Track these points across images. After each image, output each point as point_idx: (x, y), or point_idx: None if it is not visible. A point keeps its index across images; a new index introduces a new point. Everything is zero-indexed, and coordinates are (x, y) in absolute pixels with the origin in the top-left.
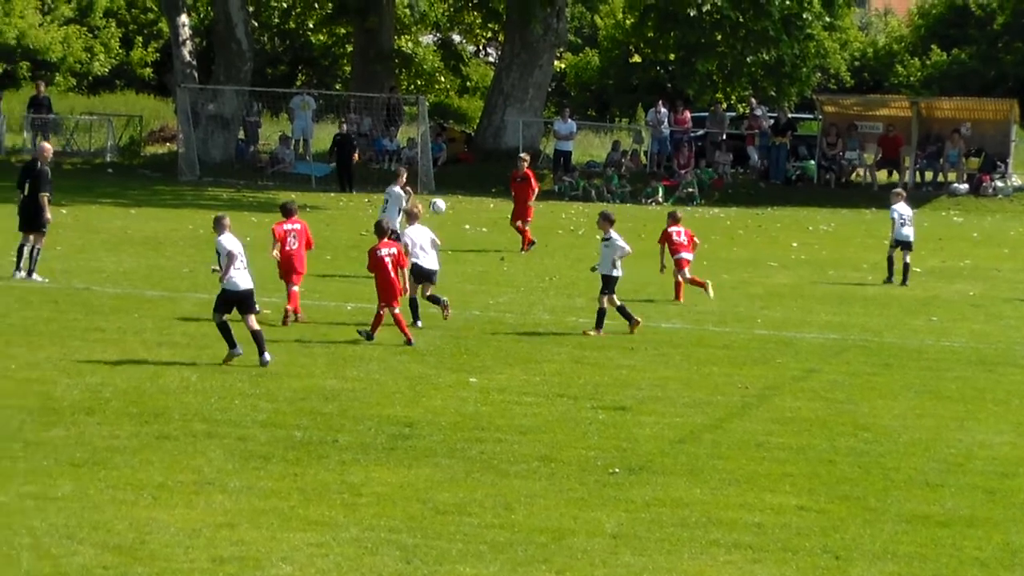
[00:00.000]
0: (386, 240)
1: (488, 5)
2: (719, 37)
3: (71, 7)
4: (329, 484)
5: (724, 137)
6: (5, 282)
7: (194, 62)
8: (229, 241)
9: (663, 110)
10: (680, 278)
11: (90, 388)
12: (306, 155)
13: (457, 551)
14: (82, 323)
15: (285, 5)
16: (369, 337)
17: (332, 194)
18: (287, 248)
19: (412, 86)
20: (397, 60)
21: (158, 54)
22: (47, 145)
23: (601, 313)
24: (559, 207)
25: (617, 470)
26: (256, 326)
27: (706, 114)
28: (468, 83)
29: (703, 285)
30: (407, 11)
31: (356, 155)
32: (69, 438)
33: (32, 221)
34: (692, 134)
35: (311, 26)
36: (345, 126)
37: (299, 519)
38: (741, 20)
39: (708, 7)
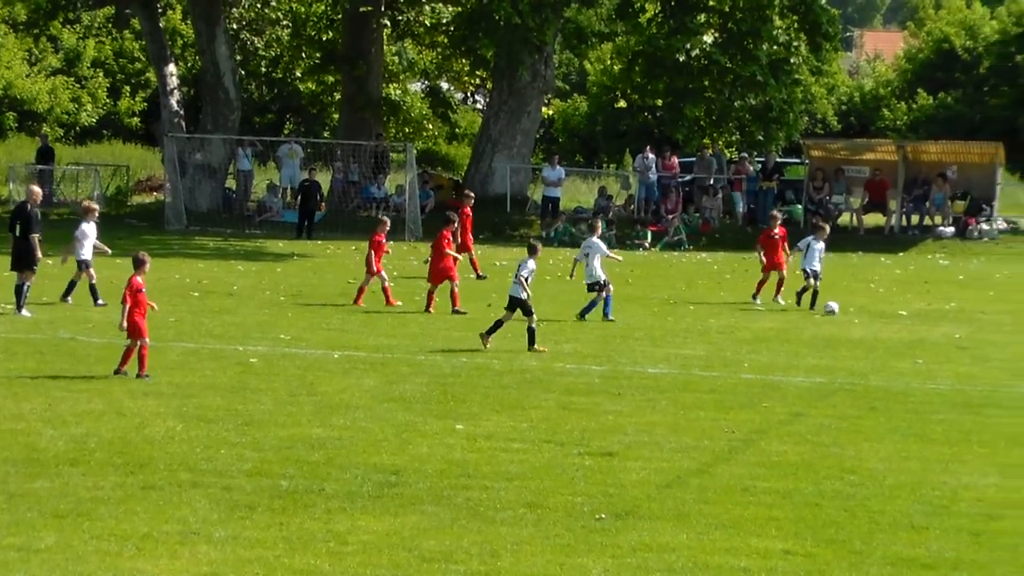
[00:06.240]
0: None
1: (476, 52)
2: (707, 82)
3: (58, 58)
4: (315, 533)
5: (712, 182)
6: None
7: (182, 111)
8: None
9: (651, 156)
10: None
11: (75, 439)
12: (294, 203)
13: None
14: (67, 373)
15: (273, 54)
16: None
17: (320, 242)
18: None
19: (400, 133)
20: (385, 107)
21: (146, 104)
22: (36, 188)
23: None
24: (547, 253)
25: (604, 516)
26: None
27: (694, 159)
28: (456, 130)
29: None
30: (395, 59)
31: (322, 204)
32: (53, 489)
33: (23, 261)
34: (680, 179)
35: (299, 74)
36: (313, 173)
37: (284, 569)
38: (729, 65)
39: (696, 52)
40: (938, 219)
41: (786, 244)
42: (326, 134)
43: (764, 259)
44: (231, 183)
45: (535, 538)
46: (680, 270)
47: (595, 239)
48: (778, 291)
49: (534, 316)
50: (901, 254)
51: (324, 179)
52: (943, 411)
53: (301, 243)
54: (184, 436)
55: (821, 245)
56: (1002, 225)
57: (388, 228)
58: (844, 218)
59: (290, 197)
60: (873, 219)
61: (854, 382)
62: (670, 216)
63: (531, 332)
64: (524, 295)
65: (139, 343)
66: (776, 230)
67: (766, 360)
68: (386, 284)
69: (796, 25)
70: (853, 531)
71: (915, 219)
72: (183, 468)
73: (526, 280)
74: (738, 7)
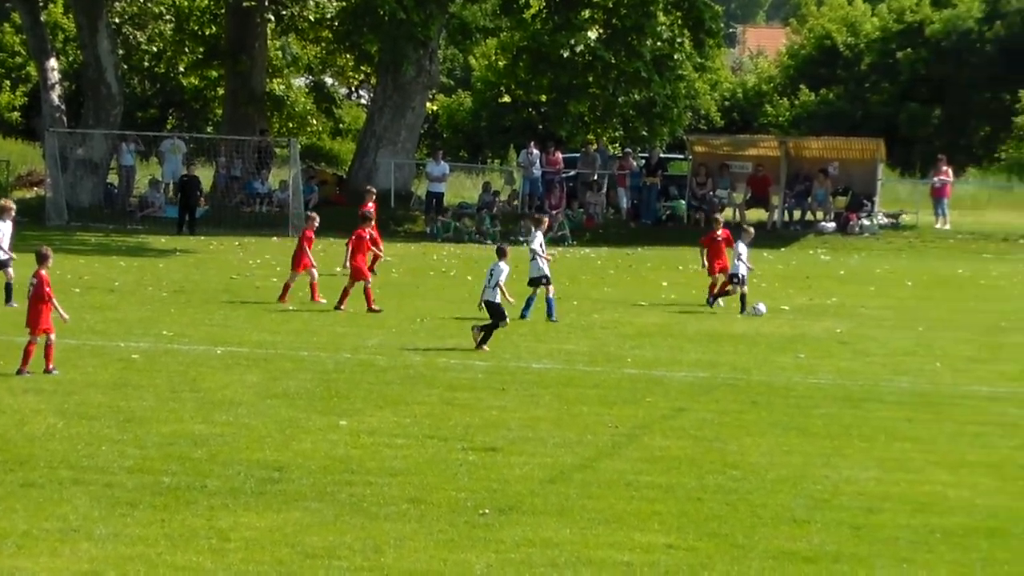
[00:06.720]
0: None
1: (360, 47)
2: (591, 78)
3: None
4: (197, 530)
5: (596, 177)
6: None
7: (63, 106)
8: None
9: (535, 151)
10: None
11: None
12: (176, 199)
13: None
14: None
15: (156, 48)
16: None
17: (203, 237)
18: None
19: (284, 129)
20: (269, 103)
21: (26, 98)
22: None
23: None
24: (431, 248)
25: (487, 511)
26: None
27: (578, 155)
28: (341, 125)
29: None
30: (279, 54)
31: (202, 200)
32: None
33: None
34: (564, 175)
35: (182, 69)
36: (192, 168)
37: (166, 566)
38: (613, 61)
39: (581, 48)
40: (820, 214)
41: (728, 246)
42: (209, 129)
43: (707, 262)
44: (113, 178)
45: (418, 533)
46: (564, 265)
47: (539, 234)
48: (717, 293)
49: (507, 320)
50: (783, 249)
51: (208, 174)
52: (824, 405)
53: (183, 239)
54: (65, 433)
55: (744, 247)
56: (883, 220)
57: (317, 224)
58: (727, 213)
59: (172, 193)
60: (756, 214)
61: (736, 377)
62: (554, 211)
63: (489, 330)
64: (498, 299)
65: (34, 339)
66: (719, 232)
67: (649, 355)
68: (292, 283)
69: (680, 21)
70: (735, 525)
71: (797, 214)
72: (64, 465)
73: (500, 284)
74: (622, 4)
